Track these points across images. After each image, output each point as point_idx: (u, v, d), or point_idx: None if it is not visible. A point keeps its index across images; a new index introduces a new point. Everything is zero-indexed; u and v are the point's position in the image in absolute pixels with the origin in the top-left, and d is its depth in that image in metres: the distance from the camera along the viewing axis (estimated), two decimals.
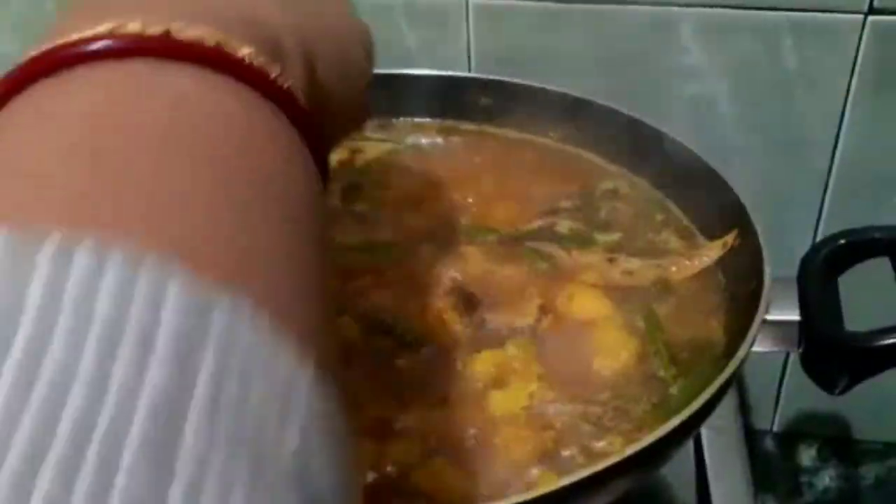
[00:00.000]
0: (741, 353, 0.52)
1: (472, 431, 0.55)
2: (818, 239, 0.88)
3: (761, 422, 1.02)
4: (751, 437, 0.93)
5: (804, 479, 1.01)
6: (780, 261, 0.58)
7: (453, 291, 0.64)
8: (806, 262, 0.62)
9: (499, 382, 0.58)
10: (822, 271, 0.61)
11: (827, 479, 1.01)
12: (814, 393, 0.61)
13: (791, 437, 1.02)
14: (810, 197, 0.87)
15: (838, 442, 1.01)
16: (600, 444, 0.53)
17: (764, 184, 0.82)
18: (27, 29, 0.98)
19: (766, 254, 0.58)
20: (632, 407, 0.56)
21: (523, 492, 0.51)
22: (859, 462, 1.01)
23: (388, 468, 0.53)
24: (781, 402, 1.00)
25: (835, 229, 0.66)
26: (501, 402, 0.57)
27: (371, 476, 0.52)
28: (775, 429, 1.02)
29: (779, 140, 0.84)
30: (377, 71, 0.88)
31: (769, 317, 0.56)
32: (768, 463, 1.02)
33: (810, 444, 1.02)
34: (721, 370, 0.52)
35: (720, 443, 0.77)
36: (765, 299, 0.55)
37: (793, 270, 0.62)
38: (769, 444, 1.02)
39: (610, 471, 0.46)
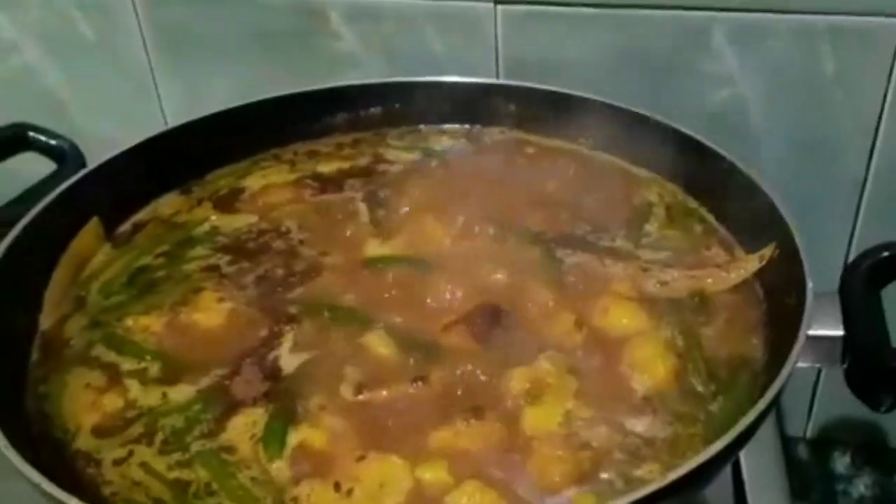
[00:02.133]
0: (784, 372, 0.51)
1: (507, 451, 0.54)
2: (853, 250, 0.86)
3: (794, 429, 1.00)
4: (784, 444, 0.91)
5: (839, 486, 0.99)
6: (813, 272, 0.57)
7: (482, 305, 0.63)
8: (848, 275, 0.60)
9: (533, 399, 0.57)
10: (864, 284, 0.59)
11: (862, 487, 0.99)
12: (848, 400, 0.59)
13: (825, 444, 1.00)
14: (845, 206, 0.85)
15: (873, 449, 0.99)
16: (640, 468, 0.52)
17: (797, 192, 0.80)
18: (51, 38, 0.97)
19: (807, 268, 0.56)
20: (672, 427, 0.54)
21: None
22: (895, 470, 0.99)
23: (422, 489, 0.52)
24: (815, 408, 0.98)
25: (869, 241, 0.64)
26: (536, 420, 0.55)
27: (403, 497, 0.52)
28: (808, 435, 1.00)
29: (813, 147, 0.82)
30: (403, 78, 0.86)
31: (810, 332, 0.54)
32: (802, 470, 1.00)
33: (844, 451, 1.00)
34: (763, 390, 0.51)
35: (758, 454, 0.75)
36: (807, 316, 0.54)
37: (826, 282, 0.60)
38: (802, 451, 1.01)
39: (651, 497, 0.45)
